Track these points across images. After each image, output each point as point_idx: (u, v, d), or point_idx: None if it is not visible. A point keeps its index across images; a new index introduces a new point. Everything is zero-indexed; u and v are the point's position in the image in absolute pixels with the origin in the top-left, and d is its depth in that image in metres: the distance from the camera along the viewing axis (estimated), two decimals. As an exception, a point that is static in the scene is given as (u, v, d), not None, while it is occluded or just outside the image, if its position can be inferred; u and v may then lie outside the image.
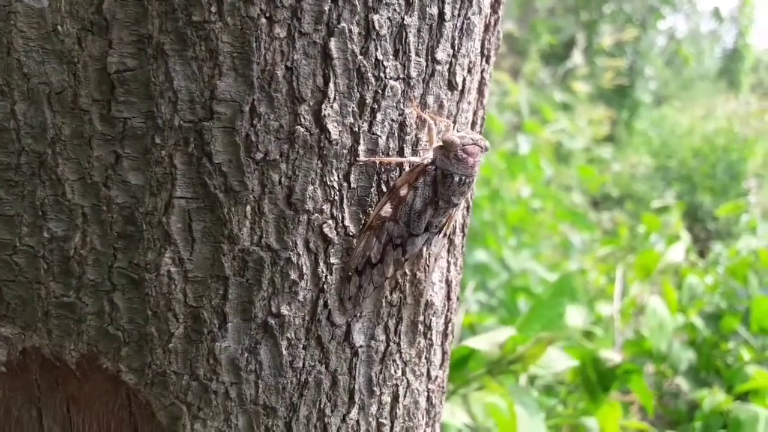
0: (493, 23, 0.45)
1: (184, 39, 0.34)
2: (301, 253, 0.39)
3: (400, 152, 0.40)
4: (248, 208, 0.37)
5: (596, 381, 1.33)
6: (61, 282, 0.38)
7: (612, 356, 1.33)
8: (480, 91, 0.46)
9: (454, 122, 0.43)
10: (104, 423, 0.40)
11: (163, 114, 0.35)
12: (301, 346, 0.40)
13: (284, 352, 0.40)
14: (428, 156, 0.40)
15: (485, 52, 0.45)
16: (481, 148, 0.40)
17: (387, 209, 0.40)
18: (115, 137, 0.36)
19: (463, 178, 0.40)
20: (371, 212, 0.40)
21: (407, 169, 0.40)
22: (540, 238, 2.67)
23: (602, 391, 1.32)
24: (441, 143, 0.39)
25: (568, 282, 1.55)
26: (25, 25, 0.35)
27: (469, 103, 0.44)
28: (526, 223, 2.43)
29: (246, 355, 0.39)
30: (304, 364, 0.41)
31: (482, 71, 0.45)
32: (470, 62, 0.43)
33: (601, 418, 1.30)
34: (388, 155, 0.40)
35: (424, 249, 0.43)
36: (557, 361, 1.02)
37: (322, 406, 0.42)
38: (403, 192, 0.40)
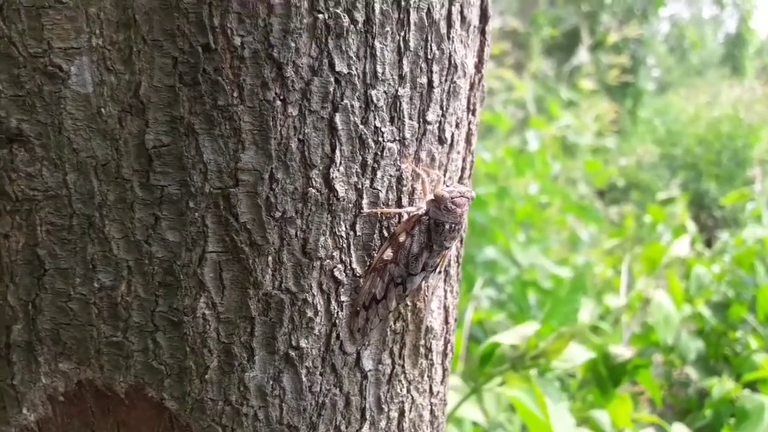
0: (477, 81, 0.50)
1: (211, 120, 0.40)
2: (315, 294, 0.45)
3: (399, 202, 0.47)
4: (270, 258, 0.43)
5: (607, 376, 1.38)
6: (111, 324, 0.44)
7: (622, 351, 1.38)
8: (468, 141, 0.51)
9: (445, 171, 0.49)
10: (150, 443, 0.47)
11: (195, 182, 0.41)
12: (318, 372, 0.46)
13: (304, 379, 0.46)
14: (422, 207, 0.46)
15: (471, 107, 0.50)
16: (468, 199, 0.46)
17: (388, 253, 0.46)
18: (154, 202, 0.42)
19: (453, 225, 0.46)
20: (375, 255, 0.46)
21: (405, 218, 0.46)
22: (548, 233, 2.71)
23: (612, 386, 1.37)
24: (433, 197, 0.45)
25: (583, 279, 1.61)
26: (73, 108, 0.41)
27: (458, 152, 0.50)
28: (534, 219, 2.47)
29: (271, 382, 0.45)
30: (321, 388, 0.47)
31: (469, 123, 0.51)
32: (458, 118, 0.49)
33: (612, 411, 1.35)
34: (388, 206, 0.46)
35: (423, 283, 0.49)
36: (577, 355, 1.07)
37: (337, 423, 0.48)
38: (401, 239, 0.46)
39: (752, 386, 1.69)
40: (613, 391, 1.39)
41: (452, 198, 0.45)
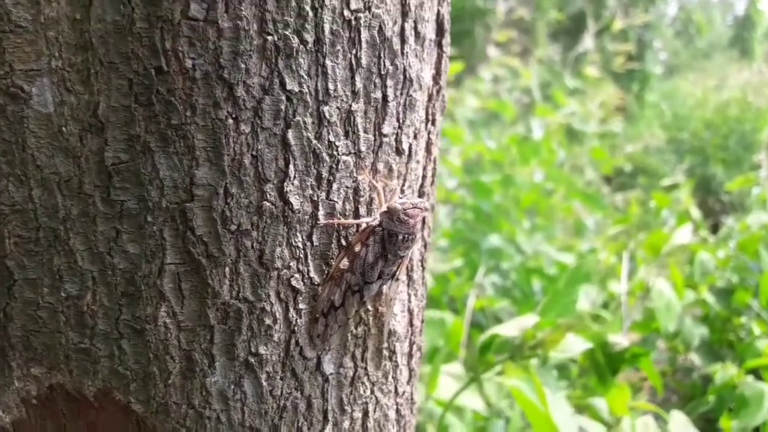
0: (435, 92, 0.51)
1: (165, 138, 0.42)
2: (273, 302, 0.46)
3: (356, 212, 0.48)
4: (227, 269, 0.45)
5: (605, 364, 1.39)
6: (78, 331, 0.46)
7: (620, 340, 1.39)
8: (428, 150, 0.53)
9: (404, 180, 0.50)
10: (119, 444, 0.49)
11: (153, 197, 0.43)
12: (279, 377, 0.48)
13: (264, 384, 0.48)
14: (377, 218, 0.47)
15: (430, 117, 0.52)
16: (421, 209, 0.47)
17: (345, 263, 0.47)
18: (115, 216, 0.43)
19: (406, 236, 0.47)
20: (333, 263, 0.48)
21: (361, 228, 0.47)
22: (554, 221, 2.71)
23: (611, 374, 1.38)
24: (386, 209, 0.47)
25: (581, 271, 1.61)
26: (35, 127, 0.42)
27: (418, 162, 0.52)
28: (539, 206, 2.47)
29: (233, 387, 0.47)
30: (282, 392, 0.49)
31: (429, 133, 0.52)
32: (416, 129, 0.50)
33: (610, 400, 1.36)
34: (345, 216, 0.47)
35: (385, 289, 0.51)
36: (575, 345, 1.08)
37: (299, 425, 0.50)
38: (357, 248, 0.47)
39: (755, 372, 1.69)
40: (612, 379, 1.40)
41: (405, 210, 0.46)
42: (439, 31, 0.50)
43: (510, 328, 1.10)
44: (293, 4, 0.41)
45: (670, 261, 2.13)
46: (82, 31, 0.40)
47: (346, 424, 0.53)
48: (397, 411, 0.57)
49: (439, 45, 0.51)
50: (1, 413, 0.49)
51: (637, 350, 1.45)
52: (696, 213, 2.74)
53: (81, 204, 0.43)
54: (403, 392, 0.57)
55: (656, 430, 1.28)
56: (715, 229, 3.43)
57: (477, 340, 1.81)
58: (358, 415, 0.53)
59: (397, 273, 0.51)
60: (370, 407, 0.54)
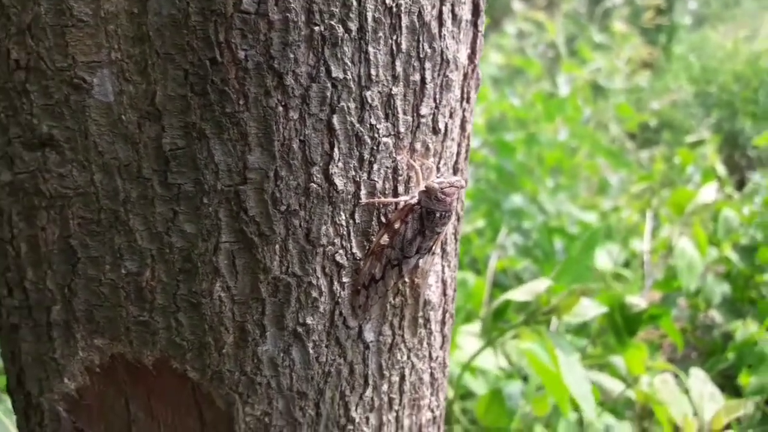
0: (470, 71, 0.53)
1: (220, 125, 0.44)
2: (319, 276, 0.49)
3: (395, 191, 0.50)
4: (277, 246, 0.48)
5: (623, 325, 1.42)
6: (137, 305, 0.49)
7: (638, 302, 1.41)
8: (462, 127, 0.55)
9: (440, 158, 0.53)
10: (176, 407, 0.53)
11: (208, 181, 0.45)
12: (324, 345, 0.52)
13: (311, 351, 0.51)
14: (416, 196, 0.50)
15: (465, 95, 0.53)
16: (458, 188, 0.50)
17: (385, 239, 0.50)
18: (172, 198, 0.46)
19: (444, 213, 0.50)
20: (374, 240, 0.51)
21: (399, 207, 0.50)
22: (578, 179, 2.70)
23: (628, 335, 1.41)
24: (424, 188, 0.49)
25: (597, 236, 1.63)
26: (97, 115, 0.45)
27: (453, 140, 0.54)
28: (563, 165, 2.46)
29: (282, 354, 0.51)
30: (327, 359, 0.52)
31: (463, 111, 0.54)
32: (451, 109, 0.52)
33: (627, 360, 1.39)
34: (384, 195, 0.50)
35: (420, 262, 0.54)
36: (588, 310, 1.11)
37: (342, 388, 0.54)
38: (396, 225, 0.50)
39: (776, 330, 1.71)
40: (629, 339, 1.42)
41: (442, 189, 0.49)
42: (475, 11, 0.52)
43: (523, 293, 1.12)
44: (338, -6, 0.43)
45: (694, 219, 2.12)
46: (139, 24, 0.42)
47: (385, 387, 0.56)
48: (431, 375, 0.61)
49: (475, 25, 0.52)
50: (67, 381, 0.53)
51: (655, 311, 1.47)
52: (721, 169, 2.72)
53: (140, 187, 0.46)
54: (437, 357, 0.61)
55: (675, 386, 1.31)
56: (740, 185, 3.40)
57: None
58: (395, 379, 0.57)
59: (434, 247, 0.53)
60: (407, 371, 0.58)
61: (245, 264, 0.48)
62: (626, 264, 2.41)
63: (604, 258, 2.12)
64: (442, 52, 0.49)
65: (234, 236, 0.47)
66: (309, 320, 0.50)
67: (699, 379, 1.38)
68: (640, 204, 2.54)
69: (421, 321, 0.57)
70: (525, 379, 1.51)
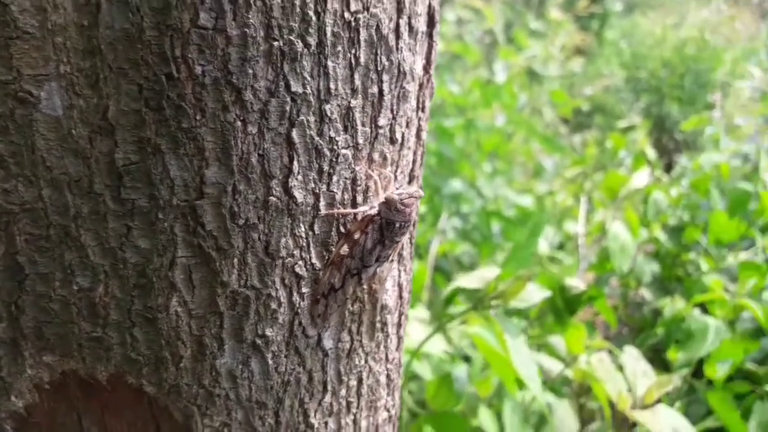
0: (426, 81, 0.54)
1: (176, 140, 0.43)
2: (278, 288, 0.49)
3: (354, 201, 0.51)
4: (235, 260, 0.47)
5: (563, 307, 1.46)
6: (90, 321, 0.48)
7: (577, 284, 1.46)
8: (418, 136, 0.55)
9: (397, 167, 0.53)
10: (132, 421, 0.52)
11: (163, 196, 0.45)
12: (283, 355, 0.52)
13: (270, 362, 0.51)
14: (375, 206, 0.50)
15: (420, 105, 0.54)
16: (416, 198, 0.50)
17: (344, 249, 0.50)
18: (126, 213, 0.45)
19: (403, 223, 0.51)
20: (333, 250, 0.51)
21: (359, 218, 0.50)
22: (514, 164, 2.75)
23: (568, 315, 1.46)
24: (384, 200, 0.49)
25: (541, 224, 1.67)
26: (45, 130, 0.43)
27: (409, 148, 0.54)
28: (500, 150, 2.50)
29: (241, 366, 0.50)
30: (286, 368, 0.52)
31: (419, 120, 0.55)
32: (408, 119, 0.52)
33: (567, 339, 1.44)
34: (344, 205, 0.50)
35: (379, 270, 0.54)
36: (533, 294, 1.14)
37: (302, 396, 0.54)
38: (356, 236, 0.50)
39: (702, 306, 1.79)
40: (569, 319, 1.47)
41: (402, 200, 0.49)
42: (431, 22, 0.52)
43: (473, 280, 1.15)
44: (297, 9, 0.43)
45: (626, 204, 2.20)
46: (90, 38, 0.41)
47: (343, 391, 0.57)
48: (388, 376, 0.62)
49: (430, 36, 0.53)
50: (14, 398, 0.51)
51: (593, 292, 1.52)
52: (651, 153, 2.82)
53: (91, 203, 0.45)
54: (393, 359, 0.62)
55: (610, 364, 1.37)
56: (669, 167, 3.54)
57: (440, 284, 1.88)
58: (353, 383, 0.58)
59: (392, 256, 0.54)
60: (364, 375, 0.58)
61: (202, 278, 0.47)
62: (561, 246, 2.48)
63: (541, 242, 2.18)
64: (399, 64, 0.49)
65: (190, 251, 0.46)
66: (268, 332, 0.50)
67: (632, 356, 1.44)
68: (573, 187, 2.61)
69: (378, 325, 0.58)
70: (466, 359, 1.55)
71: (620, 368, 1.39)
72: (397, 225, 0.50)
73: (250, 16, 0.41)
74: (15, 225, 0.45)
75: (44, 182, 0.44)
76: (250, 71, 0.43)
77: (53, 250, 0.46)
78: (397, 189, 0.50)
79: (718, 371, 1.48)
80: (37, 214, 0.45)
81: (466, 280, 1.17)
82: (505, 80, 2.54)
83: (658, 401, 1.26)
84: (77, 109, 0.42)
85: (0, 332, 0.49)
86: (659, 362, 1.82)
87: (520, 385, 1.19)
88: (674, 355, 1.61)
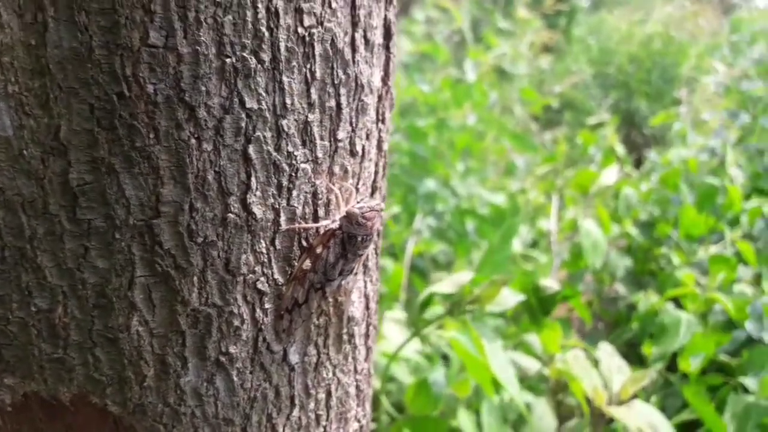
0: (385, 93, 0.54)
1: (130, 159, 0.43)
2: (240, 305, 0.49)
3: (315, 215, 0.50)
4: (195, 278, 0.47)
5: (537, 306, 1.47)
6: (51, 343, 0.48)
7: (551, 284, 1.47)
8: (379, 147, 0.55)
9: (359, 179, 0.53)
10: (97, 442, 0.51)
11: (119, 215, 0.44)
12: (248, 371, 0.51)
13: (235, 379, 0.51)
14: (336, 220, 0.50)
15: (380, 116, 0.54)
16: (378, 211, 0.50)
17: (307, 264, 0.50)
18: (82, 234, 0.45)
19: (365, 237, 0.50)
20: (296, 264, 0.51)
21: (321, 232, 0.50)
22: (486, 163, 2.76)
23: (543, 315, 1.47)
24: (345, 214, 0.49)
25: (513, 228, 1.68)
26: (-5, 150, 0.43)
27: (370, 160, 0.54)
28: (472, 149, 2.51)
29: (205, 384, 0.50)
30: (252, 384, 0.52)
31: (379, 131, 0.55)
32: (368, 131, 0.52)
33: (543, 339, 1.45)
34: (305, 220, 0.50)
35: (343, 283, 0.54)
36: (508, 299, 1.14)
37: (269, 411, 0.54)
38: (318, 251, 0.50)
39: (676, 300, 1.82)
40: (544, 319, 1.48)
41: (363, 214, 0.49)
42: (387, 35, 0.52)
43: (447, 285, 1.15)
44: (249, 26, 0.42)
45: (597, 201, 2.22)
46: (38, 57, 0.40)
47: (312, 405, 0.57)
48: (357, 387, 0.62)
49: (387, 48, 0.53)
50: (-24, 421, 0.51)
51: (568, 292, 1.53)
52: (620, 149, 2.85)
53: (47, 223, 0.44)
54: (362, 369, 0.62)
55: (586, 361, 1.38)
56: (638, 163, 3.59)
57: (416, 284, 1.88)
58: (321, 396, 0.57)
59: (356, 269, 0.54)
60: (333, 387, 0.58)
61: (162, 297, 0.47)
62: (534, 243, 2.50)
63: (515, 241, 2.19)
64: (356, 77, 0.49)
65: (149, 270, 0.46)
66: (232, 349, 0.50)
67: (607, 353, 1.45)
68: (545, 185, 2.63)
69: (345, 337, 0.58)
70: (445, 357, 1.55)
71: (596, 364, 1.41)
72: (359, 239, 0.50)
73: (201, 33, 0.41)
74: (-32, 248, 0.45)
75: (-3, 204, 0.44)
76: (203, 88, 0.42)
77: (9, 272, 0.45)
78: (358, 203, 0.50)
79: (691, 364, 1.50)
80: (-10, 237, 0.44)
81: (441, 286, 1.17)
82: (475, 79, 2.55)
83: (634, 396, 1.28)
84: (28, 129, 0.42)
85: (-43, 357, 0.48)
86: (635, 357, 1.84)
87: (497, 386, 1.20)
88: (649, 349, 1.63)
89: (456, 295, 1.15)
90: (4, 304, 0.46)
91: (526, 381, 1.53)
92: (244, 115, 0.44)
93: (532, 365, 1.51)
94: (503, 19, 3.03)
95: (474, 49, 2.66)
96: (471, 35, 2.81)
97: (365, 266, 0.58)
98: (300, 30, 0.44)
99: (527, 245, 2.44)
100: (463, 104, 2.51)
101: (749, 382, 1.42)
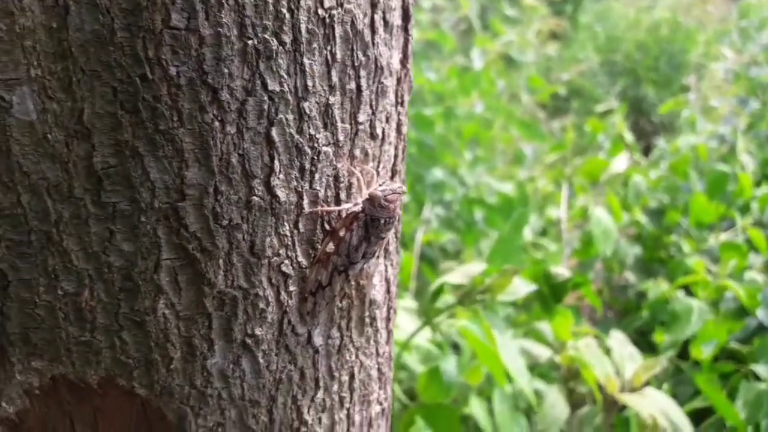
0: (403, 75, 0.54)
1: (154, 142, 0.43)
2: (266, 287, 0.49)
3: (337, 198, 0.51)
4: (221, 261, 0.47)
5: (549, 294, 1.47)
6: (77, 326, 0.48)
7: (562, 271, 1.47)
8: (398, 130, 0.55)
9: (379, 162, 0.53)
10: (125, 424, 0.52)
11: (145, 198, 0.44)
12: (274, 353, 0.52)
13: (261, 361, 0.51)
14: (359, 203, 0.50)
15: (399, 99, 0.54)
16: (400, 194, 0.50)
17: (330, 247, 0.50)
18: (108, 217, 0.45)
19: (388, 219, 0.51)
20: (319, 248, 0.51)
21: (343, 215, 0.50)
22: (494, 151, 2.75)
23: (554, 303, 1.47)
24: (368, 196, 0.50)
25: (524, 217, 1.68)
26: (18, 135, 0.43)
27: (390, 143, 0.54)
28: (480, 138, 2.51)
29: (232, 366, 0.51)
30: (277, 366, 0.52)
31: (399, 114, 0.55)
32: (387, 114, 0.52)
33: (554, 326, 1.45)
34: (327, 203, 0.50)
35: (365, 266, 0.54)
36: (519, 288, 1.14)
37: (294, 393, 0.54)
38: (341, 233, 0.50)
39: (686, 288, 1.81)
40: (555, 307, 1.48)
41: (385, 196, 0.50)
42: (405, 16, 0.52)
43: (459, 276, 1.15)
44: (270, 7, 0.42)
45: (607, 189, 2.22)
46: (60, 40, 0.40)
47: (335, 387, 0.57)
48: (379, 370, 0.62)
49: (406, 30, 0.53)
50: (5, 405, 0.51)
51: (579, 279, 1.53)
52: (629, 137, 2.84)
53: (72, 207, 0.45)
54: (383, 352, 0.62)
55: (597, 349, 1.38)
56: (646, 150, 3.57)
57: (426, 273, 1.88)
58: (345, 378, 0.58)
59: (378, 252, 0.54)
60: (356, 370, 0.59)
61: (188, 280, 0.47)
62: (543, 232, 2.50)
63: (525, 230, 2.18)
64: (376, 59, 0.49)
65: (175, 253, 0.46)
66: (257, 331, 0.50)
67: (619, 340, 1.45)
68: (553, 173, 2.62)
69: (367, 320, 0.58)
70: (455, 347, 1.56)
71: (607, 352, 1.41)
72: (382, 221, 0.51)
73: (222, 15, 0.41)
74: (-5, 232, 0.45)
75: (22, 188, 0.44)
76: (226, 71, 0.42)
77: (35, 256, 0.46)
78: (380, 185, 0.50)
79: (703, 352, 1.50)
80: (16, 220, 0.45)
81: (452, 276, 1.18)
82: (482, 67, 2.54)
83: (646, 384, 1.28)
84: (51, 113, 0.42)
85: (-14, 341, 0.48)
86: (645, 345, 1.83)
87: (509, 375, 1.20)
88: (660, 337, 1.63)
89: (467, 285, 1.15)
90: (31, 288, 0.47)
91: (538, 368, 1.53)
92: (266, 98, 0.44)
93: (543, 353, 1.51)
94: (510, 6, 3.02)
95: (481, 37, 2.65)
96: (478, 23, 2.81)
97: (386, 250, 0.58)
98: (320, 11, 0.44)
99: (537, 233, 2.43)
100: (471, 92, 2.50)
101: (761, 369, 1.42)
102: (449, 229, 2.26)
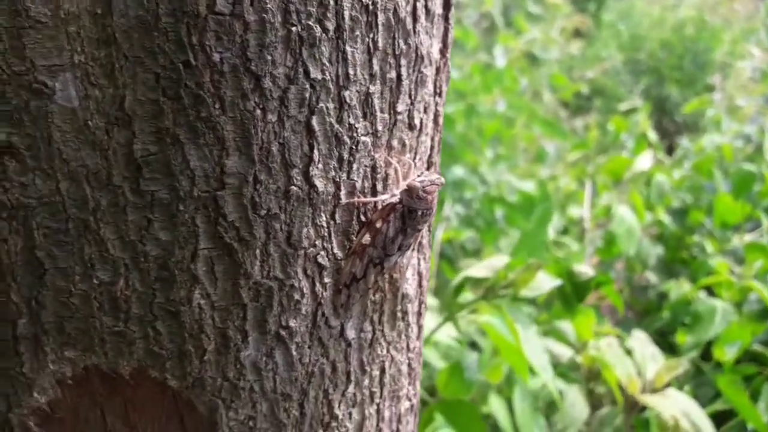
0: (442, 65, 0.53)
1: (195, 130, 0.42)
2: (301, 279, 0.49)
3: (373, 189, 0.50)
4: (257, 251, 0.47)
5: (571, 293, 1.46)
6: (112, 315, 0.48)
7: (585, 270, 1.46)
8: (435, 122, 0.54)
9: (415, 153, 0.52)
10: (156, 416, 0.51)
11: (184, 187, 0.44)
12: (307, 346, 0.51)
13: (294, 353, 0.51)
14: (396, 194, 0.50)
15: (437, 90, 0.53)
16: (438, 185, 0.50)
17: (366, 238, 0.50)
18: (146, 206, 0.44)
19: (426, 211, 0.50)
20: (354, 240, 0.50)
21: (380, 206, 0.50)
22: (516, 150, 2.74)
23: (577, 302, 1.46)
24: (406, 187, 0.49)
25: (549, 212, 1.67)
26: (60, 121, 0.42)
27: (427, 134, 0.53)
28: (502, 136, 2.49)
29: (265, 358, 0.50)
30: (310, 359, 0.52)
31: (436, 105, 0.54)
32: (425, 104, 0.51)
33: (576, 325, 1.44)
34: (364, 194, 0.49)
35: (399, 260, 0.54)
36: (544, 283, 1.13)
37: (326, 387, 0.54)
38: (378, 225, 0.50)
39: (708, 289, 1.79)
40: (578, 305, 1.47)
41: (424, 187, 0.49)
42: (446, 4, 0.51)
43: (483, 270, 1.14)
44: (315, -7, 0.42)
45: (631, 187, 2.19)
46: (104, 26, 0.40)
47: (366, 381, 0.57)
48: (409, 365, 0.61)
49: (446, 18, 0.52)
50: (37, 395, 0.51)
51: (602, 278, 1.52)
52: (653, 135, 2.81)
53: (110, 195, 0.44)
54: (414, 347, 0.61)
55: (619, 349, 1.36)
56: (670, 149, 3.53)
57: (446, 271, 1.87)
58: (376, 373, 0.57)
59: (413, 244, 0.53)
60: (387, 365, 0.58)
61: (225, 270, 0.47)
62: (564, 231, 2.48)
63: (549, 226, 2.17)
64: (416, 48, 0.48)
65: (212, 243, 0.46)
66: (292, 323, 0.50)
67: (640, 340, 1.43)
68: (575, 172, 2.60)
69: (399, 314, 0.57)
70: (473, 345, 1.55)
71: (629, 352, 1.39)
72: (420, 213, 0.50)
73: (267, 1, 0.40)
74: (33, 219, 0.45)
75: (61, 175, 0.44)
76: (269, 58, 0.42)
77: (72, 244, 0.46)
78: (418, 176, 0.50)
79: (726, 354, 1.48)
80: (55, 208, 0.44)
81: (475, 270, 1.17)
82: (504, 65, 2.52)
83: (668, 385, 1.26)
84: (93, 100, 0.42)
85: (21, 328, 0.48)
86: (665, 346, 1.82)
87: (532, 372, 1.19)
88: (682, 338, 1.61)
89: (490, 280, 1.14)
90: (67, 276, 0.46)
91: (558, 368, 1.51)
92: (308, 86, 0.44)
93: (564, 352, 1.50)
94: (533, 3, 3.00)
95: (504, 34, 2.63)
96: (501, 20, 2.79)
97: (419, 243, 0.58)
98: (364, -2, 0.44)
99: (558, 232, 2.41)
100: (493, 90, 2.48)
101: (784, 372, 1.39)
102: (469, 227, 2.25)
